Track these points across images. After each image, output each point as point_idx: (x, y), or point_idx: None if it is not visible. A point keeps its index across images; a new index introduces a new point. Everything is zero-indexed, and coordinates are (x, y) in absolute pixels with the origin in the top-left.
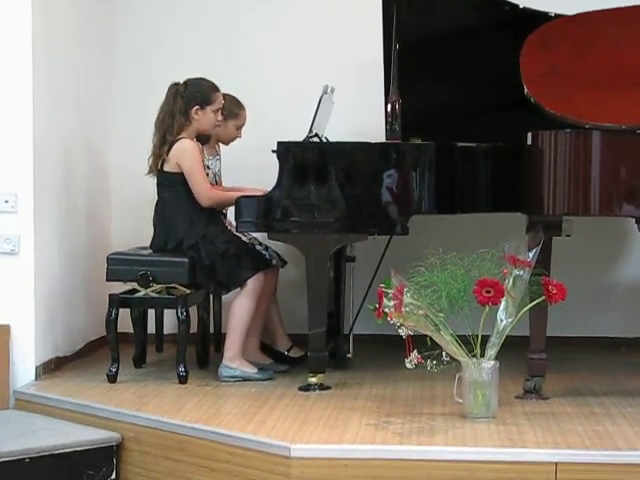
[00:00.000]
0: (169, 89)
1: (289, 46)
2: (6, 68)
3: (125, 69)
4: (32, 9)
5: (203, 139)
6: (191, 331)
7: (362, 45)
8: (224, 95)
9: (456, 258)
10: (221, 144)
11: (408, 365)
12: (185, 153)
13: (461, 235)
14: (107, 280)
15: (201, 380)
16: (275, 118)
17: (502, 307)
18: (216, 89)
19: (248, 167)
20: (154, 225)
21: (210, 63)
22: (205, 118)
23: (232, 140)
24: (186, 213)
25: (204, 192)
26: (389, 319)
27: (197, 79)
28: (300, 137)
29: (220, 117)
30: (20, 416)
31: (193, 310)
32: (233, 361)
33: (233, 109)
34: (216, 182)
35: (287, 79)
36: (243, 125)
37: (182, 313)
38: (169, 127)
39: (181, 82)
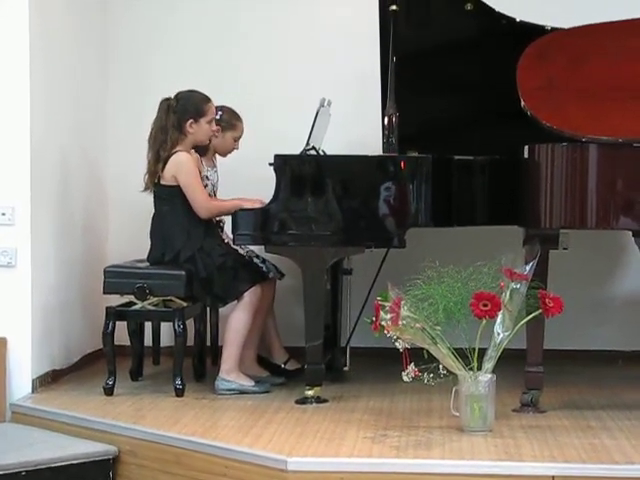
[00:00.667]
0: (160, 105)
1: (287, 58)
2: (3, 78)
3: (122, 80)
4: (29, 16)
5: (201, 150)
6: (188, 344)
7: (359, 57)
8: (221, 107)
9: (453, 271)
10: (218, 156)
11: (405, 378)
12: (181, 166)
13: (458, 248)
14: (104, 293)
15: (198, 393)
16: (273, 129)
17: (499, 320)
18: (208, 100)
19: (246, 178)
20: (151, 238)
21: (208, 72)
22: (200, 130)
23: (229, 152)
24: (183, 226)
25: (202, 204)
26: (386, 332)
27: (188, 92)
28: (298, 148)
29: (215, 127)
30: (17, 429)
31: (190, 323)
32: (230, 374)
33: (231, 120)
34: (214, 193)
35: (285, 90)
36: (240, 137)
37: (179, 326)
38: (162, 143)
39: (172, 97)
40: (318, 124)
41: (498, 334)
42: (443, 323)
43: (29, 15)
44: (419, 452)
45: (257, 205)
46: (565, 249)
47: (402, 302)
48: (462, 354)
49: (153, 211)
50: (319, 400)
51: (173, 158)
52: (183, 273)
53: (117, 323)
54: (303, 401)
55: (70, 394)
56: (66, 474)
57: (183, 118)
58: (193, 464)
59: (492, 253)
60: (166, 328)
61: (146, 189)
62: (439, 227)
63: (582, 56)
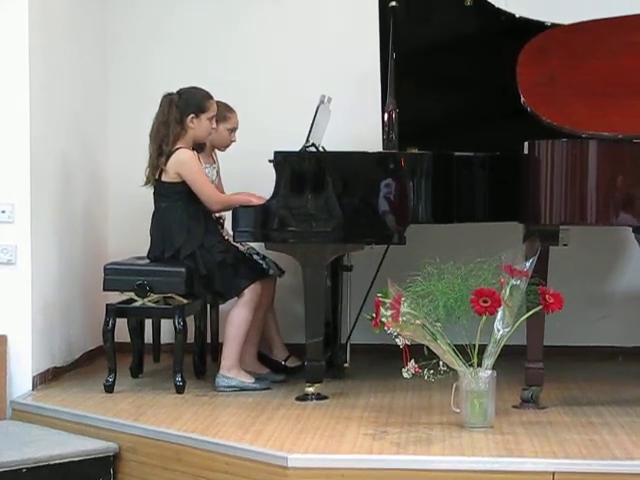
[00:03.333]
0: (163, 99)
1: (287, 54)
2: (3, 77)
3: (121, 78)
4: (29, 13)
5: (199, 147)
6: (188, 341)
7: (359, 54)
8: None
9: (453, 268)
10: (218, 151)
11: (405, 375)
12: (186, 164)
13: (458, 245)
14: (104, 290)
15: (198, 390)
16: (273, 125)
17: (499, 317)
18: (210, 97)
19: (246, 174)
20: (151, 235)
21: (207, 71)
22: (200, 126)
23: (227, 145)
24: (183, 223)
25: (213, 197)
26: (386, 329)
27: (190, 88)
28: (298, 144)
29: (214, 124)
30: (17, 426)
31: (190, 320)
32: (230, 371)
33: (222, 112)
34: None
35: (285, 87)
36: (236, 128)
37: (179, 323)
38: (165, 137)
39: (174, 92)
40: (318, 121)
41: (498, 330)
42: (443, 319)
43: (29, 12)
44: (419, 448)
45: (262, 202)
46: (565, 245)
47: (402, 299)
48: (462, 350)
49: (153, 208)
50: (319, 397)
51: (176, 155)
52: (183, 270)
53: (117, 320)
54: (303, 398)
55: (70, 391)
56: (66, 471)
57: (185, 113)
58: (193, 461)
59: (492, 249)
60: (166, 325)
61: (147, 183)
62: (439, 223)
63: (582, 52)
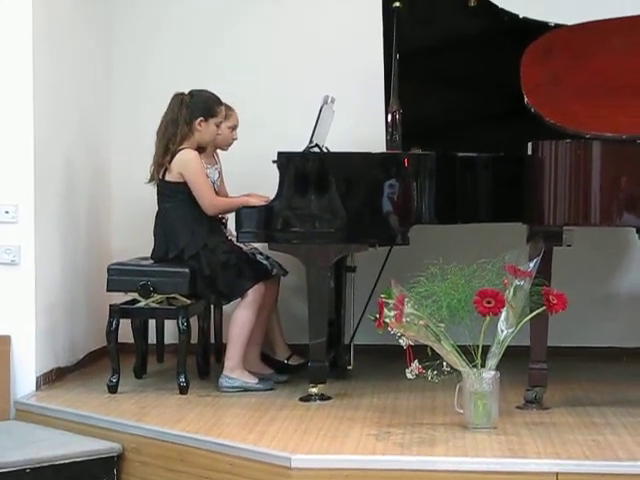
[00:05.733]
0: (173, 98)
1: (291, 54)
2: (7, 77)
3: (124, 76)
4: (33, 12)
5: (200, 148)
6: (192, 341)
7: (363, 55)
8: None
9: (457, 268)
10: (220, 151)
11: (409, 375)
12: (188, 164)
13: (462, 245)
14: (108, 290)
15: (202, 390)
16: (276, 126)
17: (503, 317)
18: (220, 102)
19: (249, 175)
20: (155, 235)
21: (210, 71)
22: (207, 130)
23: (229, 144)
24: (187, 223)
25: (209, 201)
26: (390, 329)
27: (202, 91)
28: (301, 145)
29: (220, 131)
30: (21, 427)
31: (194, 320)
32: (234, 371)
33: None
34: (215, 191)
35: (288, 87)
36: (236, 126)
37: (183, 323)
38: (172, 136)
39: (185, 92)
40: (321, 121)
41: (502, 331)
42: (447, 320)
43: (32, 11)
44: (423, 449)
45: (263, 202)
46: (569, 246)
47: (406, 299)
48: (466, 351)
49: (157, 209)
50: (323, 397)
51: (179, 155)
52: (187, 271)
53: (121, 321)
54: (307, 398)
55: (74, 392)
56: (70, 471)
57: (194, 115)
58: (197, 461)
59: (496, 250)
60: (170, 326)
61: (151, 180)
62: (443, 224)
63: (586, 52)
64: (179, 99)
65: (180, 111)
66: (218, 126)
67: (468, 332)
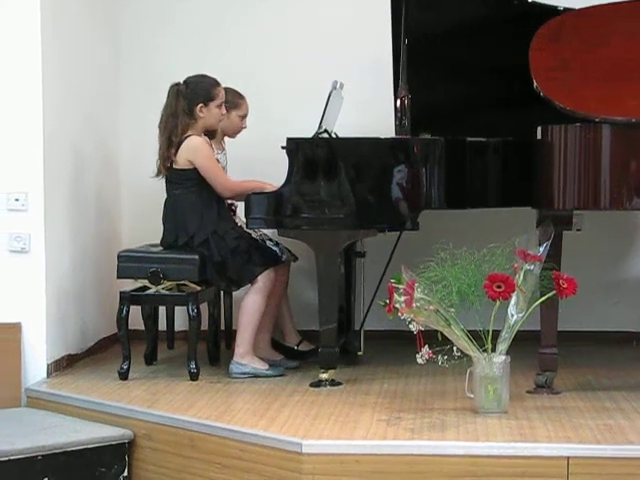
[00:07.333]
0: (169, 90)
1: (299, 41)
2: (16, 67)
3: (132, 64)
4: (41, 3)
5: (210, 134)
6: (202, 328)
7: (372, 40)
8: (223, 88)
9: (467, 253)
10: (227, 137)
11: (419, 360)
12: (197, 151)
13: (471, 230)
14: (118, 277)
15: (212, 377)
16: (285, 112)
17: (513, 302)
18: (217, 84)
19: (257, 161)
20: (164, 222)
21: (217, 60)
22: (210, 114)
23: (238, 132)
24: (196, 209)
25: (224, 184)
26: (400, 315)
27: (196, 76)
28: (309, 132)
29: (224, 111)
30: (32, 414)
31: (204, 307)
32: (244, 357)
33: (234, 100)
34: None
35: (296, 73)
36: (246, 115)
37: (193, 310)
38: (173, 129)
39: (181, 82)
40: (330, 107)
41: (512, 315)
42: (457, 305)
43: (41, 4)
44: (433, 434)
45: (274, 190)
46: (579, 230)
47: (416, 284)
48: (476, 336)
49: (165, 195)
50: (333, 383)
51: (187, 142)
52: (197, 257)
53: (131, 307)
54: (317, 384)
55: (85, 378)
56: (81, 458)
57: (193, 103)
58: (208, 447)
59: (506, 235)
60: (180, 312)
61: (158, 174)
62: (452, 209)
63: (595, 37)
64: (175, 90)
65: (178, 102)
66: (220, 107)
67: (478, 317)
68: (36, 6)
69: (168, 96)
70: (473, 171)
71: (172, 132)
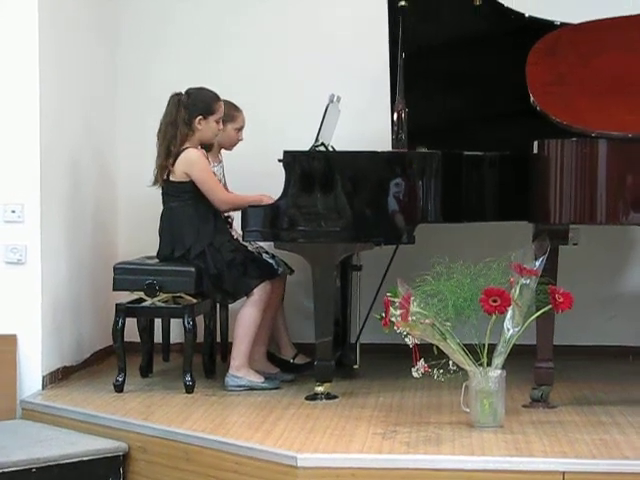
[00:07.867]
0: (170, 99)
1: (296, 53)
2: (13, 78)
3: (129, 75)
4: (39, 12)
5: (206, 147)
6: (198, 340)
7: (369, 54)
8: None
9: (462, 267)
10: (224, 150)
11: (415, 374)
12: (194, 163)
13: (467, 244)
14: (114, 289)
15: (208, 389)
16: (282, 125)
17: (509, 316)
18: (218, 98)
19: (253, 174)
20: (160, 234)
21: (216, 71)
22: (207, 128)
23: (234, 144)
24: (193, 222)
25: (221, 197)
26: (396, 328)
27: (198, 89)
28: (306, 145)
29: (221, 126)
30: (27, 426)
31: (200, 319)
32: (240, 370)
33: (230, 112)
34: None
35: (294, 85)
36: (243, 127)
37: (189, 322)
38: (172, 138)
39: (182, 92)
40: (327, 120)
41: (508, 330)
42: (453, 319)
43: (38, 11)
44: (429, 448)
45: (271, 202)
46: (575, 244)
47: (412, 298)
48: (472, 350)
49: (162, 208)
50: (329, 396)
51: (184, 155)
52: (193, 269)
53: (127, 320)
54: (313, 397)
55: (80, 390)
56: (76, 470)
57: (193, 114)
58: (203, 460)
59: (502, 249)
60: (176, 324)
61: (155, 183)
62: (448, 223)
63: (592, 51)
64: (176, 100)
65: (178, 112)
66: (218, 122)
67: (474, 331)
68: (34, 15)
69: (168, 105)
70: (469, 185)
71: (171, 142)
